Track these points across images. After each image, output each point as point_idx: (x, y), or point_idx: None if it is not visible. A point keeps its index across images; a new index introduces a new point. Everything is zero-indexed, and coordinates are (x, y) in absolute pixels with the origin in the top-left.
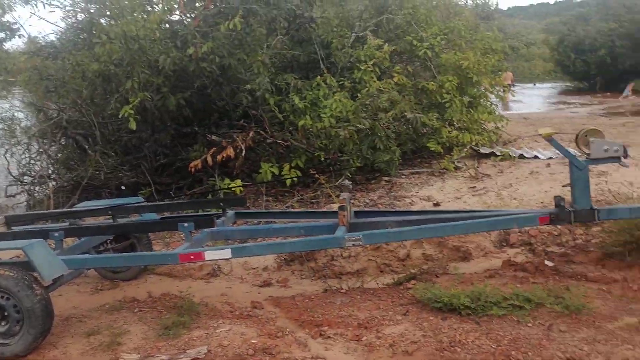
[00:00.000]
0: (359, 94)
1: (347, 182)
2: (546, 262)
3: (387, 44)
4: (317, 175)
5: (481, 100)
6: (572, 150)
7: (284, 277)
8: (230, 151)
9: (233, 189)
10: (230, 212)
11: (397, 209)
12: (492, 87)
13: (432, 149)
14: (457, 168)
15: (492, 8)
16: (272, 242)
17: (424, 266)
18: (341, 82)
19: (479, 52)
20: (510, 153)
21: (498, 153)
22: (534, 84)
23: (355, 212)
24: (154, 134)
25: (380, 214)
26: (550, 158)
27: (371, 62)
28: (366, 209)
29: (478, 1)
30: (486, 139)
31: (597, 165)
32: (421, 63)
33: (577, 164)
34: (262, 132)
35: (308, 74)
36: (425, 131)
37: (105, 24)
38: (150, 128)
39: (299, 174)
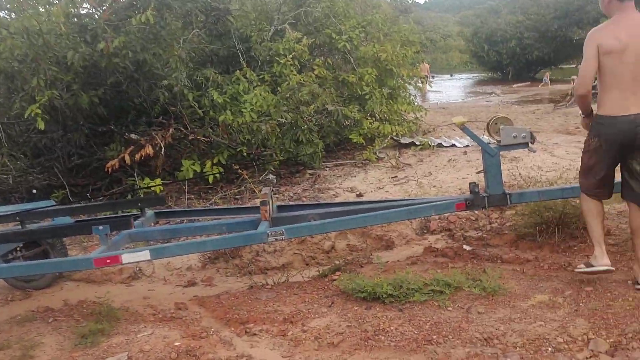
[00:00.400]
0: (279, 88)
1: (271, 176)
2: (464, 246)
3: (305, 38)
4: (240, 171)
5: (400, 91)
6: (486, 137)
7: (208, 275)
8: (149, 149)
9: (153, 189)
10: (149, 212)
11: (321, 201)
12: (410, 78)
13: (354, 140)
14: (379, 158)
15: (410, 1)
16: (193, 240)
17: (349, 257)
18: (261, 76)
19: (397, 44)
20: (430, 142)
21: (418, 143)
22: (451, 75)
23: (279, 207)
24: (66, 133)
25: (303, 207)
26: (467, 146)
27: (290, 56)
28: (289, 203)
29: None
30: (406, 129)
31: (509, 152)
32: (341, 56)
33: (489, 151)
34: (182, 128)
35: (229, 68)
36: (347, 123)
37: (4, 18)
38: (61, 128)
39: (221, 170)
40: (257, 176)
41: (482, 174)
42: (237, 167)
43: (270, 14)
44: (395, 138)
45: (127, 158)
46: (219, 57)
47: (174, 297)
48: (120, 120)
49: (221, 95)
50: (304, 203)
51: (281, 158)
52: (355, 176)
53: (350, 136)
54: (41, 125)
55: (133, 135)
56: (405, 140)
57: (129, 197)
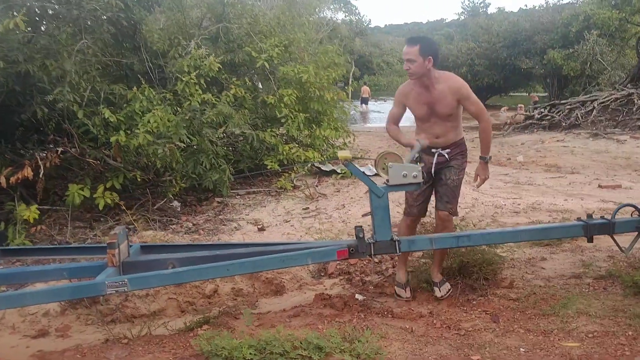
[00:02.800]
0: (179, 108)
1: (175, 203)
2: (357, 295)
3: (213, 55)
4: (120, 203)
5: (326, 116)
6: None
7: (65, 324)
8: (27, 171)
9: (26, 216)
10: None
11: (195, 242)
12: (334, 101)
13: (269, 167)
14: (295, 187)
15: (365, 24)
16: (9, 293)
17: (231, 303)
18: (163, 94)
19: (322, 66)
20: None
21: (339, 171)
22: None
23: (142, 247)
24: None
25: (169, 249)
26: None
27: (194, 73)
28: (155, 243)
29: (352, 17)
30: (330, 155)
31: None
32: (263, 76)
33: (376, 191)
34: (70, 149)
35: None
36: (265, 148)
37: None
38: None
39: (115, 196)
40: (156, 203)
41: (369, 217)
42: (129, 194)
43: (190, 29)
44: (316, 165)
45: (2, 180)
46: (133, 72)
47: (15, 351)
48: (4, 135)
49: (116, 114)
50: (170, 243)
51: (182, 185)
52: (265, 206)
53: (265, 162)
54: None
55: (20, 154)
56: (326, 167)
57: (2, 225)
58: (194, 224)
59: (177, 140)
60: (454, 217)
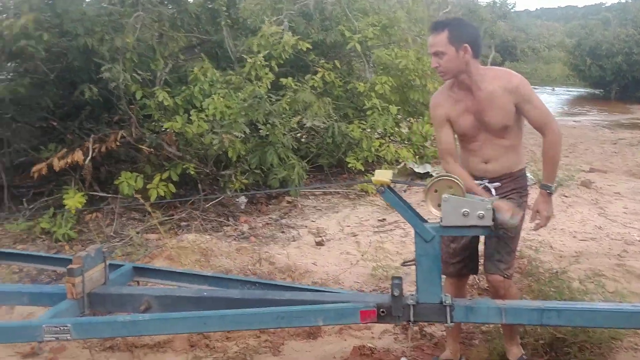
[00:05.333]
0: (239, 93)
1: (241, 199)
2: (402, 359)
3: (289, 33)
4: (149, 209)
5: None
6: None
7: (63, 344)
8: (78, 155)
9: (68, 206)
10: None
11: (190, 270)
12: None
13: (350, 165)
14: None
15: (510, 7)
16: None
17: (253, 341)
18: (228, 77)
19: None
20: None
21: (434, 174)
22: (553, 89)
23: (135, 269)
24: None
25: (161, 275)
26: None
27: (263, 54)
28: (149, 266)
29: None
30: (429, 154)
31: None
32: (354, 59)
33: (422, 233)
34: (125, 135)
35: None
36: (347, 142)
37: None
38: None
39: (171, 187)
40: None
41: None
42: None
43: (279, 3)
44: (410, 166)
45: (55, 163)
46: (223, 50)
47: None
48: (71, 116)
49: (176, 97)
50: (168, 269)
51: (244, 181)
52: (338, 212)
53: (347, 159)
54: None
55: (70, 135)
56: (420, 169)
57: (52, 211)
58: (250, 227)
59: (239, 130)
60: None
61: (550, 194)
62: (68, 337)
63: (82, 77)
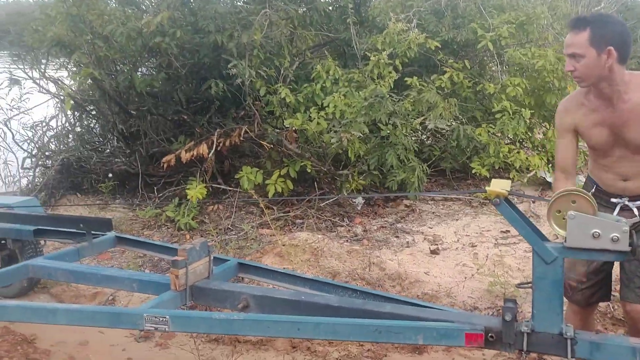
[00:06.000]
0: (360, 93)
1: (359, 199)
2: None
3: (416, 30)
4: (262, 205)
5: None
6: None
7: None
8: (203, 149)
9: (190, 196)
10: (108, 236)
11: (293, 271)
12: None
13: (475, 171)
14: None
15: None
16: (41, 305)
17: (355, 349)
18: (351, 75)
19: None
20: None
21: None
22: None
23: (239, 264)
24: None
25: (265, 274)
26: None
27: (387, 52)
28: (253, 263)
29: None
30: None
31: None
32: (489, 59)
33: (542, 253)
34: (248, 130)
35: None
36: (473, 146)
37: None
38: (148, 112)
39: (289, 184)
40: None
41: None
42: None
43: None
44: (543, 175)
45: (182, 155)
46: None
47: (111, 350)
48: (202, 110)
49: (298, 94)
50: (272, 268)
51: (362, 182)
52: (457, 219)
53: (472, 164)
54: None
55: (198, 130)
56: (552, 178)
57: (176, 201)
58: (364, 229)
59: (358, 129)
60: None
61: None
62: (166, 329)
63: (213, 73)
